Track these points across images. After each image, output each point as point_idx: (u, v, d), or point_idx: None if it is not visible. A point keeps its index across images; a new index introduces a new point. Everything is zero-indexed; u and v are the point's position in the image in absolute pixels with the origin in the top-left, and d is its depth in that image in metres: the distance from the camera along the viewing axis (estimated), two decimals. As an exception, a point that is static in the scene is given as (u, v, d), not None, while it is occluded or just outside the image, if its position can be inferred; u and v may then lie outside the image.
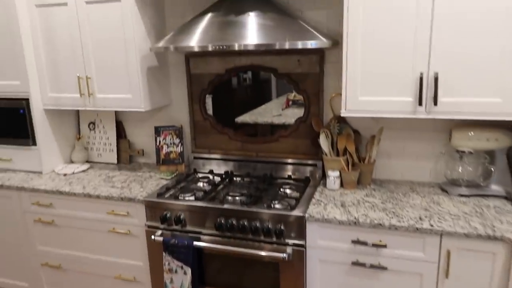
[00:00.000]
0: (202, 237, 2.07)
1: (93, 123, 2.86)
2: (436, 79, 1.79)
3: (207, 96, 2.57)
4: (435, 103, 1.81)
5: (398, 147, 2.29)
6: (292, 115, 2.43)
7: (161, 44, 2.14)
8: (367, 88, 1.93)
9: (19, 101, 2.54)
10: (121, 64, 2.33)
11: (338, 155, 2.27)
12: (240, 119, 2.55)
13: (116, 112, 2.82)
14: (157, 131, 2.64)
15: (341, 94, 2.27)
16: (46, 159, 2.65)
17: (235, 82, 2.51)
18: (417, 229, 1.72)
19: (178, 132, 2.64)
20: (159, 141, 2.64)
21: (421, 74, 1.81)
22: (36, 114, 2.56)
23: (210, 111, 2.59)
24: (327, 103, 2.36)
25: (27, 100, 2.53)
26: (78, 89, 2.45)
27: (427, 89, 1.83)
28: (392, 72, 1.87)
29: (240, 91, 2.51)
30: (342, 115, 2.01)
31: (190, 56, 2.54)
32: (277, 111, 2.46)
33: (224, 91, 2.53)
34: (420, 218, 1.79)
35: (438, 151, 2.23)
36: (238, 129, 2.55)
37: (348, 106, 1.98)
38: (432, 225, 1.72)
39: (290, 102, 2.43)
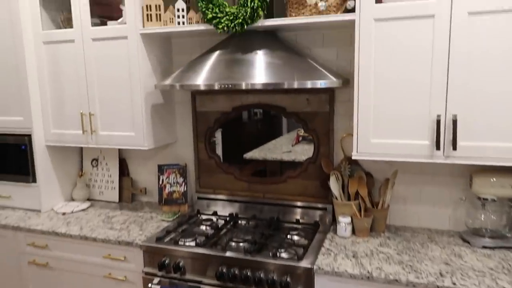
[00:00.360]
0: (202, 286, 1.92)
1: (96, 160, 2.78)
2: (454, 122, 1.67)
3: (216, 130, 2.48)
4: (454, 148, 1.69)
5: (414, 192, 2.15)
6: (302, 151, 2.32)
7: (167, 82, 2.09)
8: (380, 130, 1.82)
9: (21, 137, 2.49)
10: (125, 101, 2.28)
11: (349, 199, 2.13)
12: (249, 155, 2.45)
13: (119, 149, 2.75)
14: (161, 169, 2.55)
15: (352, 135, 2.16)
16: (46, 197, 2.56)
17: (246, 116, 2.43)
18: (438, 287, 1.55)
19: (182, 171, 2.54)
20: (162, 180, 2.54)
21: (438, 116, 1.70)
22: (38, 151, 2.49)
23: (219, 145, 2.50)
24: (338, 143, 2.25)
25: (29, 136, 2.48)
26: (81, 126, 2.39)
27: (444, 133, 1.71)
28: (407, 114, 1.77)
29: (250, 125, 2.43)
30: (353, 157, 1.90)
31: (196, 94, 2.48)
32: (286, 147, 2.36)
33: (234, 125, 2.45)
34: (441, 274, 1.62)
35: (457, 197, 2.07)
36: (247, 165, 2.44)
37: (359, 148, 1.87)
38: (454, 283, 1.55)
39: (300, 138, 2.33)
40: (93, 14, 2.41)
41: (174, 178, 2.54)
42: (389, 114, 1.80)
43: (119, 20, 2.28)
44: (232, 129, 2.46)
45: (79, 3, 2.26)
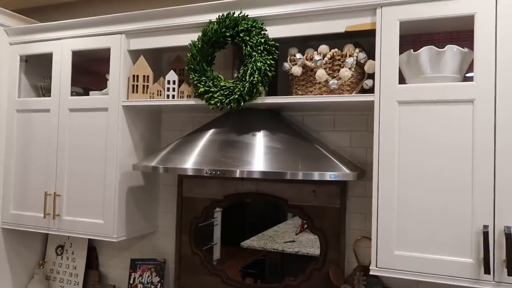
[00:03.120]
0: None
1: (62, 247, 2.35)
2: (509, 237, 1.27)
3: (216, 209, 2.10)
4: (510, 273, 1.26)
5: (449, 319, 1.67)
6: (306, 242, 1.91)
7: (150, 163, 1.75)
8: (407, 239, 1.42)
9: (-27, 217, 2.11)
10: (97, 181, 1.93)
11: (365, 324, 1.65)
12: (247, 243, 2.04)
13: (91, 235, 2.34)
14: (134, 265, 2.11)
15: (368, 238, 1.76)
16: (-9, 292, 2.10)
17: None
18: None
19: (159, 268, 2.10)
20: (134, 279, 2.08)
21: (485, 227, 1.30)
22: (-10, 234, 2.10)
23: (218, 225, 2.12)
24: (350, 248, 1.83)
25: (-17, 216, 2.10)
26: (43, 208, 2.01)
27: (494, 250, 1.30)
28: (441, 221, 1.37)
29: (253, 205, 2.07)
30: (371, 272, 1.47)
31: (184, 177, 2.13)
32: (289, 236, 1.95)
33: (235, 205, 2.07)
34: None
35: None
36: (242, 254, 2.02)
37: (379, 262, 1.45)
38: None
39: (306, 226, 1.92)
40: (77, 83, 2.18)
41: (148, 277, 2.09)
42: (418, 218, 1.40)
43: (103, 91, 2.02)
44: (232, 210, 2.09)
45: (60, 71, 2.03)
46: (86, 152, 1.96)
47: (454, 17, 1.38)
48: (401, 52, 1.49)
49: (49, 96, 2.07)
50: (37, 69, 2.26)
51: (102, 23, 1.94)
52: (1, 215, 2.14)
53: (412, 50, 1.47)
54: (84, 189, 1.95)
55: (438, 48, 1.43)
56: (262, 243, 2.04)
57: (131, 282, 2.08)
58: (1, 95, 2.13)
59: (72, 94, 2.03)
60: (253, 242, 2.06)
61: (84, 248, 2.30)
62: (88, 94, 2.06)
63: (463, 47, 1.43)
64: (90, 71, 2.30)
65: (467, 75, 1.49)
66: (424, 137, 1.40)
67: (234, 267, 2.08)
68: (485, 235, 1.29)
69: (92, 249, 2.34)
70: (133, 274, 2.10)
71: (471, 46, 1.40)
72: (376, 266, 1.46)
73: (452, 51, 1.40)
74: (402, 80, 1.50)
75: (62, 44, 2.03)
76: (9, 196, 2.13)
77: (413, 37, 1.64)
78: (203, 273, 2.07)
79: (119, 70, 1.90)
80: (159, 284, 2.07)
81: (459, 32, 1.57)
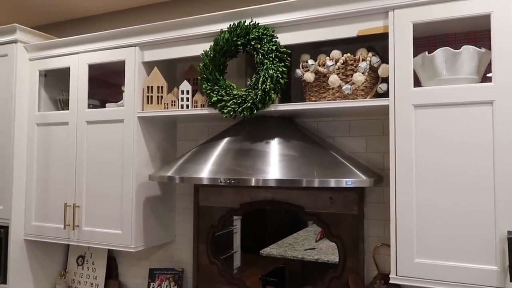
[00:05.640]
0: None
1: (82, 257, 2.39)
2: (534, 244, 1.22)
3: (235, 217, 2.10)
4: (538, 281, 1.21)
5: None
6: (326, 249, 1.88)
7: (166, 173, 1.76)
8: (427, 246, 1.37)
9: (-3, 229, 2.17)
10: (115, 192, 1.95)
11: (387, 334, 1.61)
12: (267, 251, 2.02)
13: (110, 245, 2.37)
14: (152, 274, 2.12)
15: (388, 245, 1.71)
16: (15, 303, 2.15)
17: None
18: None
19: (178, 277, 2.10)
20: (153, 289, 2.09)
21: (510, 233, 1.25)
22: (14, 245, 2.14)
23: (238, 233, 2.12)
24: (370, 256, 1.79)
25: (6, 228, 2.15)
26: (63, 219, 2.05)
27: (520, 257, 1.25)
28: (463, 227, 1.33)
29: (273, 212, 2.05)
30: (391, 281, 1.43)
31: (200, 186, 2.14)
32: (309, 243, 1.92)
33: (254, 212, 2.06)
34: None
35: None
36: (262, 261, 2.00)
37: (399, 270, 1.41)
38: None
39: (326, 233, 1.89)
40: (95, 96, 2.23)
41: (167, 286, 2.09)
42: (439, 224, 1.36)
43: (119, 102, 2.06)
44: (252, 217, 2.08)
45: (77, 85, 2.07)
46: (103, 163, 1.99)
47: (469, 17, 1.35)
48: (415, 55, 1.47)
49: (68, 109, 2.12)
50: (55, 83, 2.31)
51: (116, 37, 1.97)
52: (24, 227, 2.19)
53: (427, 52, 1.43)
54: (102, 199, 1.98)
55: (455, 49, 1.39)
56: (282, 250, 2.01)
57: (150, 292, 2.09)
58: (22, 109, 2.19)
59: (89, 107, 2.07)
60: (272, 250, 2.04)
61: (104, 258, 2.33)
62: (105, 106, 2.10)
63: (480, 47, 1.39)
64: (107, 84, 2.34)
65: (488, 75, 1.45)
66: (442, 141, 1.36)
67: (255, 275, 2.07)
68: (510, 241, 1.24)
69: (112, 259, 2.36)
70: (151, 283, 2.11)
71: (489, 46, 1.36)
72: (396, 275, 1.42)
73: (468, 51, 1.36)
74: (417, 83, 1.47)
75: (79, 58, 2.08)
76: (31, 208, 2.18)
77: (428, 39, 1.60)
78: (221, 283, 2.06)
79: (133, 82, 1.93)
80: (178, 294, 2.07)
81: (475, 32, 1.53)
